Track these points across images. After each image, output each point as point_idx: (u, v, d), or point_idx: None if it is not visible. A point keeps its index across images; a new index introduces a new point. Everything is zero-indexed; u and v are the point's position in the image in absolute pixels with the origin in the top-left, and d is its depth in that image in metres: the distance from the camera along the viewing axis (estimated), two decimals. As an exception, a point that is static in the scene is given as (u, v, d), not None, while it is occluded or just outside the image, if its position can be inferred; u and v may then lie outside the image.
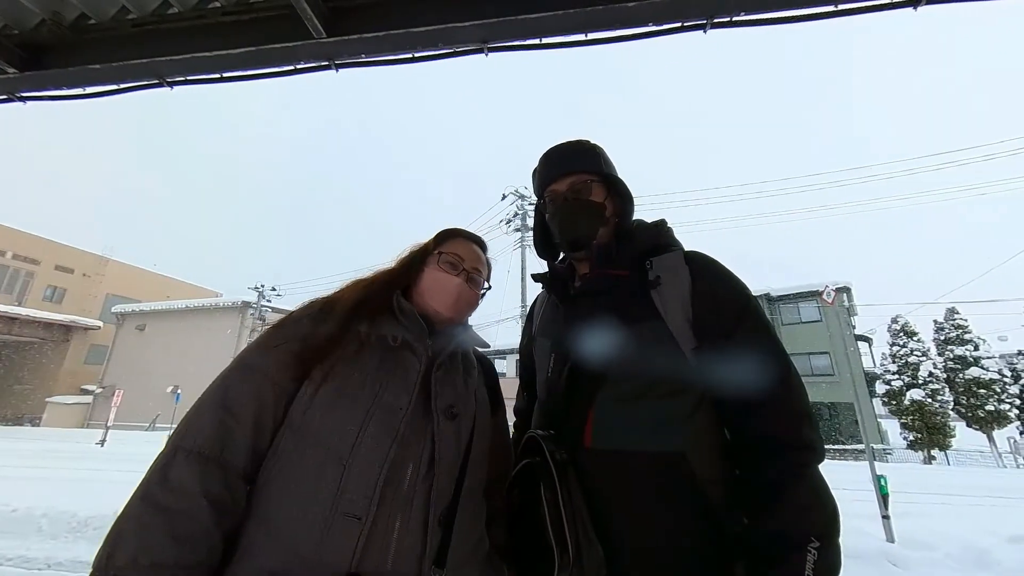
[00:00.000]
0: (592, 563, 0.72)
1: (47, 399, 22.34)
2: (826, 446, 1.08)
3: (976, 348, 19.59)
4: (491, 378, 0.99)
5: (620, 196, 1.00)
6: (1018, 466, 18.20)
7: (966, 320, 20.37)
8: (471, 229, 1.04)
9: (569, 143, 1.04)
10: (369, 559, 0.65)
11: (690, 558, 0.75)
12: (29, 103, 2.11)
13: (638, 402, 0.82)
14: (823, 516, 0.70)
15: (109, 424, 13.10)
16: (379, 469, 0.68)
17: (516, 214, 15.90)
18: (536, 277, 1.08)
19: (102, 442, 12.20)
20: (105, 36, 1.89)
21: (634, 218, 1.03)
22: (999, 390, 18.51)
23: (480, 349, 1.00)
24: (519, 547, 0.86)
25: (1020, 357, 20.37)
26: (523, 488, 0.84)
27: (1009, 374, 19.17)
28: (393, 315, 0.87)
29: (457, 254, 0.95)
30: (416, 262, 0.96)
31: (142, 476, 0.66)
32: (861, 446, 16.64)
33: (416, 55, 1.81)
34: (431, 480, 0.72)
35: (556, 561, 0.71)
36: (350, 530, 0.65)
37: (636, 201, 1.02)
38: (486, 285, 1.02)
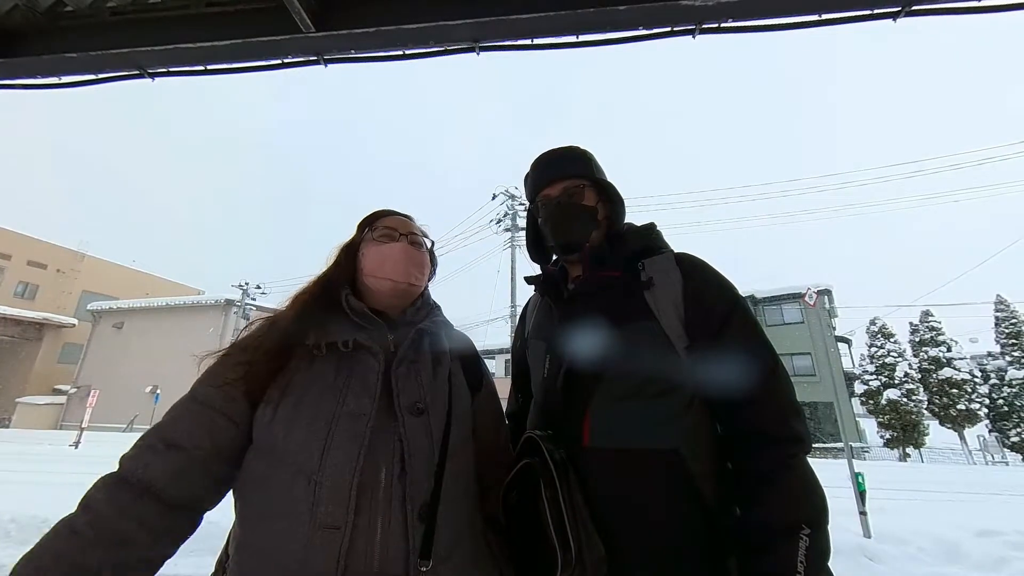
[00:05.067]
0: (593, 560, 0.73)
1: (17, 399, 21.48)
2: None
3: (949, 349, 20.28)
4: (467, 356, 0.94)
5: (611, 200, 1.02)
6: (987, 463, 18.91)
7: (940, 322, 21.08)
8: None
9: (561, 149, 1.06)
10: (354, 565, 0.65)
11: (686, 552, 0.76)
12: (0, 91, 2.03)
13: (634, 400, 0.83)
14: (813, 504, 0.72)
15: (84, 425, 12.67)
16: (350, 478, 0.68)
17: (506, 214, 15.90)
18: (529, 280, 1.08)
19: (76, 444, 11.80)
20: (82, 24, 1.82)
21: (624, 221, 1.04)
22: (970, 390, 19.20)
23: (450, 330, 0.96)
24: (519, 548, 0.86)
25: (990, 358, 21.17)
26: (522, 489, 0.84)
27: (979, 375, 19.88)
28: (346, 316, 0.85)
29: (389, 226, 0.95)
30: (350, 254, 0.95)
31: None
32: (840, 444, 17.09)
33: (407, 52, 1.79)
34: (406, 479, 0.71)
35: (559, 560, 0.72)
36: (331, 541, 0.65)
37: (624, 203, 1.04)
38: (428, 243, 1.00)
